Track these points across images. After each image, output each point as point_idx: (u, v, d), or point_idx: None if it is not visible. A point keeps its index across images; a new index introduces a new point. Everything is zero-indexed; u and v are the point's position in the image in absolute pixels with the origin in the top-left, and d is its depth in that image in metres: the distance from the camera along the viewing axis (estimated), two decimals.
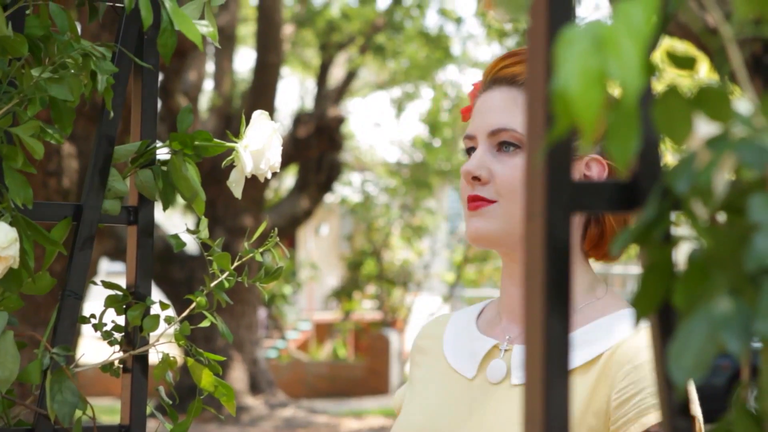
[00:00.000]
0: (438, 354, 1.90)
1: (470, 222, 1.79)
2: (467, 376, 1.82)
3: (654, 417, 1.66)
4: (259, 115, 1.68)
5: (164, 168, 1.60)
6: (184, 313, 1.63)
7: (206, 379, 1.61)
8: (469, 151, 1.83)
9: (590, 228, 1.82)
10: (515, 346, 1.80)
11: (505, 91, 1.82)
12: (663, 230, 0.79)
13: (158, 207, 1.65)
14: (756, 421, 0.75)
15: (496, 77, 1.83)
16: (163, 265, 13.15)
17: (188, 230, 1.65)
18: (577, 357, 1.74)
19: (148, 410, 1.64)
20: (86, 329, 9.61)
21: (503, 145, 1.78)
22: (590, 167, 1.80)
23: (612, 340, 1.74)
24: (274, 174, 1.68)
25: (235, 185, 1.67)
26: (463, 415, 1.80)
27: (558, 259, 0.80)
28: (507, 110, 1.80)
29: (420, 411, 1.85)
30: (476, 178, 1.78)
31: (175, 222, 12.53)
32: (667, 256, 0.79)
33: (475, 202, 1.78)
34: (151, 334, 1.62)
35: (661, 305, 0.80)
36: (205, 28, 1.55)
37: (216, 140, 1.65)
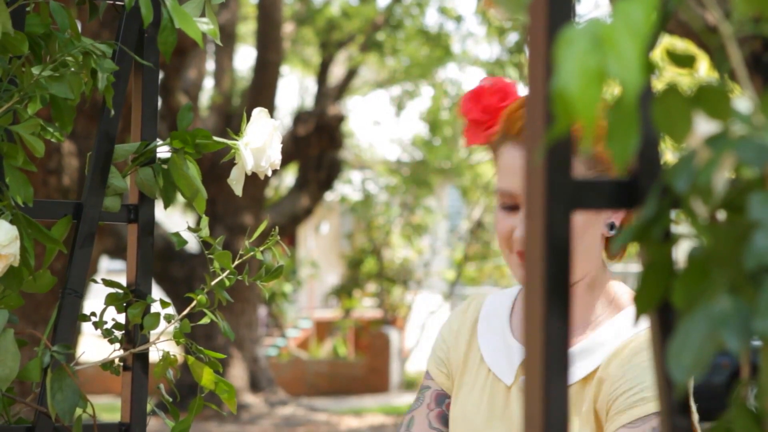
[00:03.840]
0: (476, 351, 1.90)
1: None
2: (506, 383, 1.83)
3: (640, 410, 1.66)
4: (259, 113, 1.67)
5: (165, 166, 1.60)
6: (185, 312, 1.63)
7: (206, 377, 1.61)
8: (507, 207, 1.75)
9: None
10: None
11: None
12: (663, 228, 0.79)
13: (158, 205, 1.65)
14: (755, 419, 0.75)
15: (518, 134, 1.74)
16: (164, 263, 13.14)
17: (189, 228, 1.65)
18: (581, 368, 1.75)
19: (149, 408, 1.64)
20: (86, 327, 9.61)
21: None
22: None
23: (614, 343, 1.74)
24: (274, 172, 1.68)
25: (236, 183, 1.67)
26: (508, 424, 1.81)
27: (558, 257, 0.80)
28: None
29: (463, 418, 1.86)
30: None
31: (175, 220, 12.50)
32: (666, 255, 0.79)
33: None
34: (152, 332, 1.62)
35: (660, 303, 0.80)
36: (205, 25, 1.55)
37: (216, 138, 1.65)
